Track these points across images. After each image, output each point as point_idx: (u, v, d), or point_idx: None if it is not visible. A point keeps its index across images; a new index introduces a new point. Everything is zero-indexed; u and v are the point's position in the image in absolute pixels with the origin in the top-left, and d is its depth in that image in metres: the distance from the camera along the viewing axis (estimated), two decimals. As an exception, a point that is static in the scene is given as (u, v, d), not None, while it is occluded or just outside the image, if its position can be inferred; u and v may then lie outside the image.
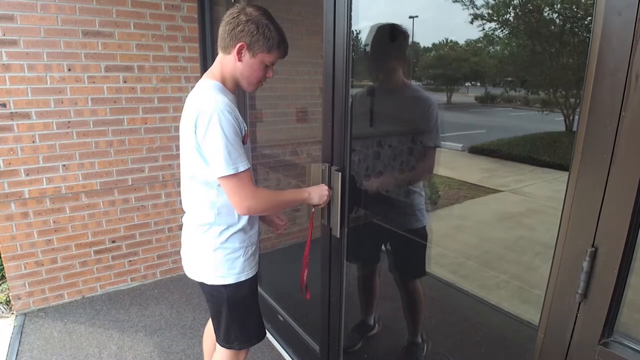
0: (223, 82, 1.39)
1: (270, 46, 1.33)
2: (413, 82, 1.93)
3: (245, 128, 1.38)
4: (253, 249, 1.53)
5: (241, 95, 2.53)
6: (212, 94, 1.31)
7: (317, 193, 1.56)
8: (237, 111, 1.34)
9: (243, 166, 1.30)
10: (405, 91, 1.86)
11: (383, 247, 2.13)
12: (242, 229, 1.46)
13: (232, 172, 1.28)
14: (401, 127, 1.96)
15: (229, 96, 1.37)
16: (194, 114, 1.29)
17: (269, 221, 1.78)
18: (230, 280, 1.46)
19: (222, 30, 1.34)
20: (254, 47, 1.32)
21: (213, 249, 1.44)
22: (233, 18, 1.31)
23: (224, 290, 1.47)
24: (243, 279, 1.48)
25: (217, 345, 1.61)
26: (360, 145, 1.92)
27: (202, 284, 1.52)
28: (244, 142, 1.36)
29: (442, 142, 1.86)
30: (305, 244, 1.66)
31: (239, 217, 1.44)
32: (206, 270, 1.47)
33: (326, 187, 1.59)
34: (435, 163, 1.80)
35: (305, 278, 1.69)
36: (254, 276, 1.54)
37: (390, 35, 1.81)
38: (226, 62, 1.37)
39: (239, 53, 1.33)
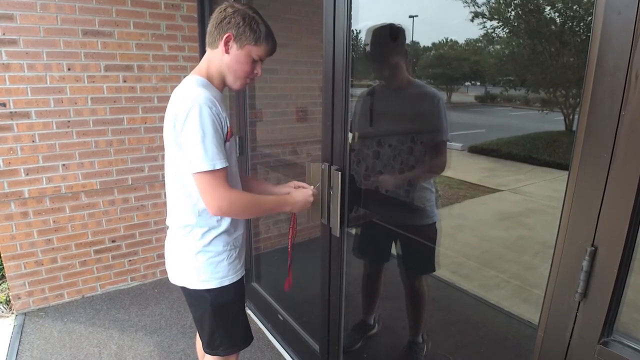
0: (209, 78, 1.36)
1: (258, 38, 1.31)
2: (419, 80, 1.92)
3: (229, 125, 1.33)
4: (237, 251, 1.47)
5: (241, 95, 2.53)
6: (193, 88, 1.28)
7: (301, 203, 1.50)
8: (220, 107, 1.30)
9: (220, 164, 1.24)
10: (410, 88, 1.85)
11: (393, 246, 2.12)
12: (226, 231, 1.41)
13: (208, 168, 1.22)
14: (411, 125, 1.95)
15: (213, 92, 1.33)
16: (175, 109, 1.26)
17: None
18: (213, 284, 1.41)
19: (210, 26, 1.34)
20: (241, 38, 1.30)
21: (195, 253, 1.39)
22: (220, 12, 1.31)
23: (207, 295, 1.42)
24: (227, 283, 1.43)
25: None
26: (368, 145, 1.92)
27: (184, 289, 1.46)
28: (227, 139, 1.32)
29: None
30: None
31: (222, 218, 1.39)
32: (188, 274, 1.42)
33: (310, 192, 1.54)
34: (447, 157, 1.79)
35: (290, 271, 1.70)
36: (239, 280, 1.49)
37: (389, 34, 1.81)
38: (213, 56, 1.34)
39: (226, 44, 1.30)
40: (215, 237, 1.39)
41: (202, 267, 1.40)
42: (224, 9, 1.31)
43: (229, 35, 1.29)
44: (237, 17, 1.28)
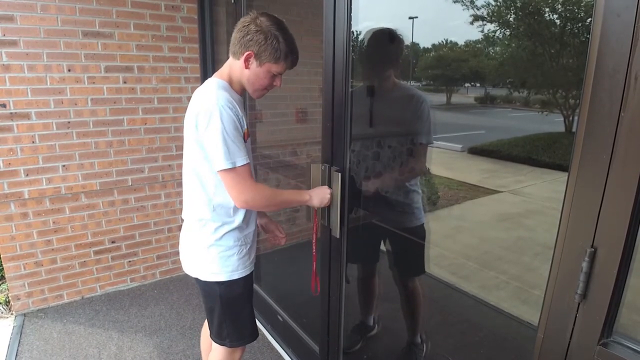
0: (230, 83, 1.43)
1: (277, 57, 1.36)
2: (405, 82, 1.93)
3: (246, 126, 1.40)
4: (248, 248, 1.54)
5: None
6: (214, 91, 1.34)
7: (319, 196, 1.57)
8: (239, 109, 1.36)
9: (241, 161, 1.33)
10: (395, 91, 1.87)
11: (382, 247, 2.13)
12: (238, 228, 1.48)
13: (230, 166, 1.31)
14: (394, 127, 1.96)
15: (233, 95, 1.40)
16: (196, 110, 1.33)
17: (269, 230, 1.79)
18: (223, 277, 1.48)
19: (234, 35, 1.38)
20: (261, 57, 1.35)
21: (207, 246, 1.46)
22: (244, 26, 1.34)
23: (217, 287, 1.50)
24: (236, 277, 1.50)
25: (213, 342, 1.63)
26: (357, 146, 1.92)
27: (197, 280, 1.54)
28: (244, 140, 1.38)
29: (437, 142, 1.87)
30: (312, 242, 1.67)
31: (235, 215, 1.46)
32: (200, 266, 1.50)
33: (328, 190, 1.59)
34: (427, 160, 1.81)
35: (315, 273, 1.73)
36: (248, 275, 1.55)
37: (384, 40, 1.82)
38: (235, 66, 1.40)
39: (247, 61, 1.36)
40: (227, 232, 1.46)
41: (213, 260, 1.47)
42: (248, 25, 1.34)
43: (249, 54, 1.35)
44: (259, 35, 1.32)
